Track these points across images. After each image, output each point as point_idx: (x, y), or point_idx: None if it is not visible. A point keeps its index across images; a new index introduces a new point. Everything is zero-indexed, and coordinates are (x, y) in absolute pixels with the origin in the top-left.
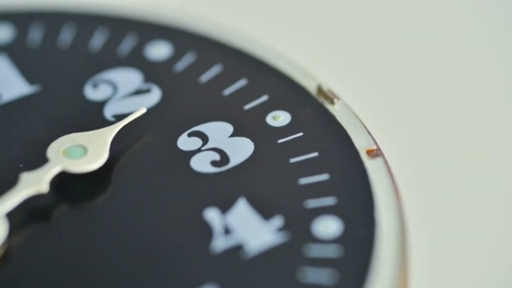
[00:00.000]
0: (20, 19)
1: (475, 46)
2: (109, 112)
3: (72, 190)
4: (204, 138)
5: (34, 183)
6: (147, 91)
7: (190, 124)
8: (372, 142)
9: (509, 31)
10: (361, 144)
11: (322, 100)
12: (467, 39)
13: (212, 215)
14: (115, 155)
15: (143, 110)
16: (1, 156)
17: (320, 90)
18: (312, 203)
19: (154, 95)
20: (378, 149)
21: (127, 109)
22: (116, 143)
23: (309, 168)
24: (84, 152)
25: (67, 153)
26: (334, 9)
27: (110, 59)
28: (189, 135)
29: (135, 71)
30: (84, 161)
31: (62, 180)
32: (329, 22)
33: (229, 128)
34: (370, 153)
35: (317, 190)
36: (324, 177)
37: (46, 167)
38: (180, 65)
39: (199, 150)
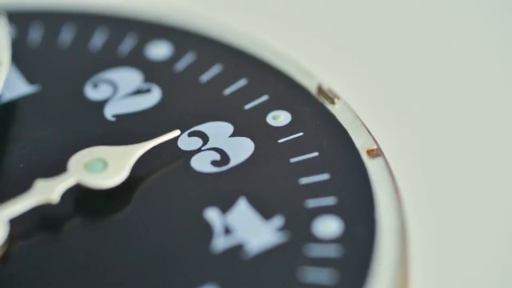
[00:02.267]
0: (20, 19)
1: (475, 46)
2: (109, 112)
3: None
4: (205, 138)
5: (45, 191)
6: (147, 91)
7: (190, 124)
8: (372, 142)
9: (509, 31)
10: (361, 144)
11: (322, 100)
12: (467, 39)
13: (212, 214)
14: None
15: (176, 132)
16: (0, 156)
17: (320, 89)
18: (312, 203)
19: (154, 95)
20: (378, 149)
21: (127, 109)
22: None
23: (309, 168)
24: (103, 167)
25: (88, 166)
26: (334, 9)
27: (110, 59)
28: (189, 135)
29: (135, 71)
30: (100, 176)
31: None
32: (329, 22)
33: (229, 128)
34: (370, 153)
35: (317, 190)
36: (324, 177)
37: (61, 177)
38: (180, 65)
39: (199, 150)
